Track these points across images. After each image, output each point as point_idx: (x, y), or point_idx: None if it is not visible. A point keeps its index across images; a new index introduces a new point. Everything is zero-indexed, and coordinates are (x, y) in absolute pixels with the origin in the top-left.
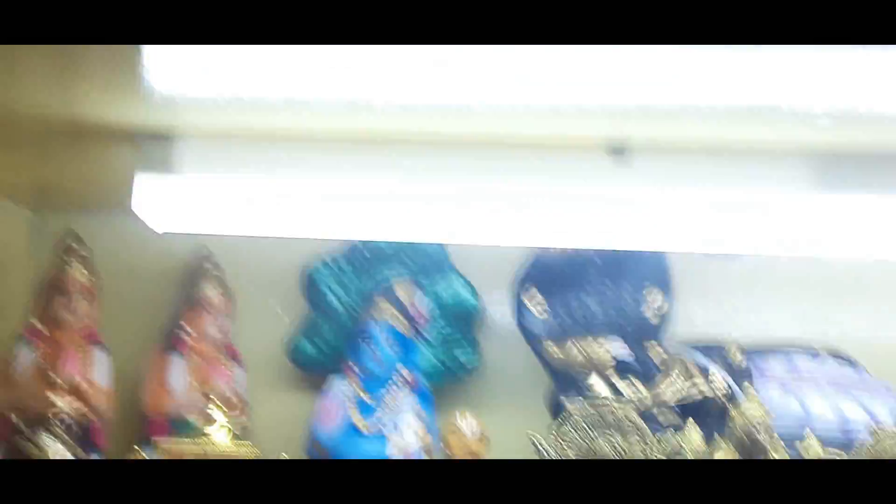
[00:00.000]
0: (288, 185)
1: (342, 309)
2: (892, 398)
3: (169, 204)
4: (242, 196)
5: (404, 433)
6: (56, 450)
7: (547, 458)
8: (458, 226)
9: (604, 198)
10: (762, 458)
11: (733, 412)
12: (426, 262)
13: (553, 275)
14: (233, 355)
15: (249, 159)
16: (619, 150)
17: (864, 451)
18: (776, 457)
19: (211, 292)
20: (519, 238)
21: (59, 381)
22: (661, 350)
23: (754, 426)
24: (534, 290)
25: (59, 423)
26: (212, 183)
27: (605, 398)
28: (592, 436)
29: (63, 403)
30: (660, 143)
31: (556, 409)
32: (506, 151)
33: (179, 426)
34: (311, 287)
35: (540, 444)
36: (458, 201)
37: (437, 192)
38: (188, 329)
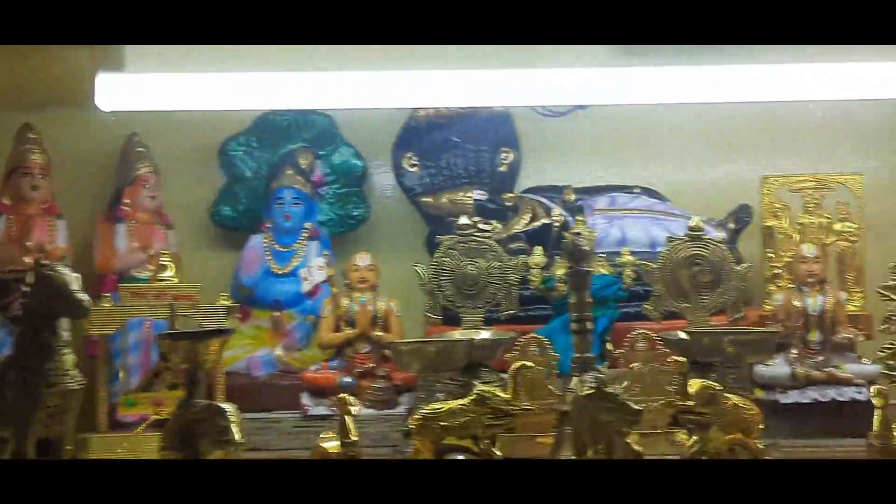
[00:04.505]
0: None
1: (253, 176)
2: (686, 221)
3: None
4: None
5: (311, 270)
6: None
7: (426, 283)
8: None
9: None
10: (586, 267)
11: (566, 235)
12: (319, 134)
13: (424, 139)
14: (165, 221)
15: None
16: None
17: (663, 255)
18: (595, 266)
19: (144, 170)
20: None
21: (28, 245)
22: (513, 195)
23: (580, 239)
24: (410, 153)
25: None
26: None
27: (471, 229)
28: (461, 261)
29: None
30: None
31: (433, 248)
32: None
33: (125, 281)
34: (225, 160)
35: (421, 271)
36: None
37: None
38: (127, 201)
